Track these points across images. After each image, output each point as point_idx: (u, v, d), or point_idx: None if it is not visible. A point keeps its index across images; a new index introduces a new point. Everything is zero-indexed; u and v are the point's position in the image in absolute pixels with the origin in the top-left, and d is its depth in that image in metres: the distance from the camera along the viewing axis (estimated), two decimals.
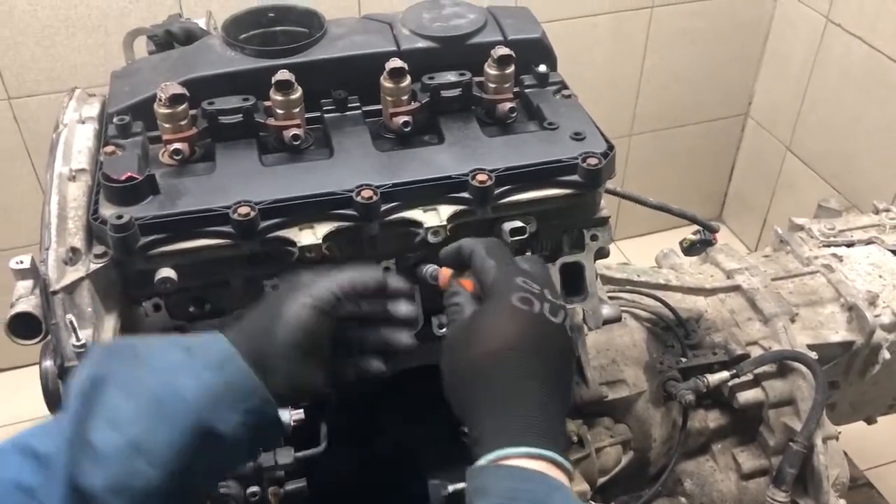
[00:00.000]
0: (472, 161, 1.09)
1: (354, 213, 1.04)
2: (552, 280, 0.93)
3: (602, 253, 1.21)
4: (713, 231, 1.31)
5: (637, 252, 3.12)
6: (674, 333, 1.49)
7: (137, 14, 2.09)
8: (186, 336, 0.85)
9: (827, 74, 2.68)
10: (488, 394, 0.76)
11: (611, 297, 1.49)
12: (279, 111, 1.12)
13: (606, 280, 1.50)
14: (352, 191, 1.03)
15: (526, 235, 1.10)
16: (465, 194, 1.07)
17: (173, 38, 1.32)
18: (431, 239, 1.05)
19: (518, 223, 1.10)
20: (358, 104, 1.20)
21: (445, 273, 0.96)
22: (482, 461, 0.72)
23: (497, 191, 1.07)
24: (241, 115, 1.11)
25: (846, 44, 2.56)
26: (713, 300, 1.59)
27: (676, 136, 3.08)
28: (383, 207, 1.04)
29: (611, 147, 1.12)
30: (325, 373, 0.87)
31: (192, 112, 1.11)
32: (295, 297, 0.86)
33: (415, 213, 1.06)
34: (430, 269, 1.04)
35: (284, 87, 1.09)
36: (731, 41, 2.88)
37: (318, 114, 1.19)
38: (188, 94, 1.07)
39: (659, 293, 1.55)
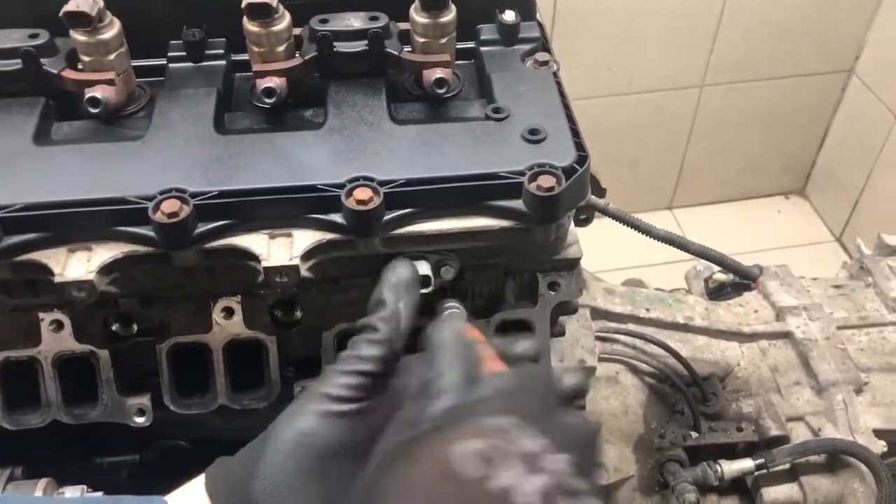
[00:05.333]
0: (356, 162, 0.69)
1: (152, 234, 0.66)
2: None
3: (566, 308, 0.81)
4: (753, 279, 0.89)
5: (696, 227, 2.64)
6: (685, 396, 1.08)
7: None
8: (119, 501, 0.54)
9: None
10: None
11: (602, 339, 1.09)
12: (85, 58, 0.74)
13: (600, 314, 1.09)
14: (151, 199, 0.65)
15: (430, 288, 0.70)
16: (338, 217, 0.67)
17: None
18: (278, 282, 0.67)
19: (421, 268, 0.70)
20: (223, 51, 0.81)
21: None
22: None
23: (389, 215, 0.68)
24: (20, 62, 0.73)
25: None
26: (751, 349, 1.16)
27: (759, 91, 2.56)
28: (200, 229, 0.66)
29: (582, 158, 0.70)
30: None
31: None
32: (295, 403, 0.52)
33: (251, 241, 0.67)
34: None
35: (81, 21, 0.70)
36: None
37: (163, 62, 0.80)
38: None
39: (675, 335, 1.13)
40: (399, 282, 0.57)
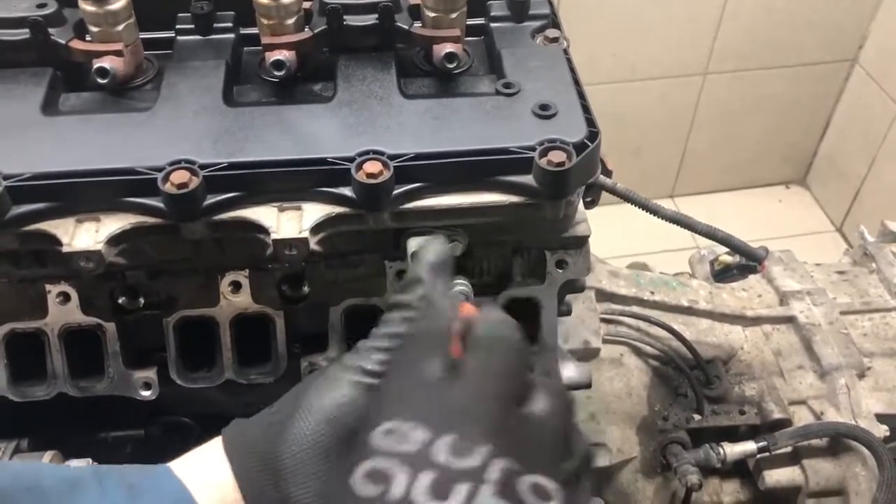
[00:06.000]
0: (366, 136, 0.69)
1: (160, 205, 0.65)
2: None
3: (573, 287, 0.81)
4: (759, 260, 0.89)
5: (697, 215, 2.63)
6: (688, 379, 1.08)
7: None
8: (125, 470, 0.52)
9: None
10: None
11: (606, 321, 1.09)
12: (93, 28, 0.73)
13: (605, 296, 1.09)
14: (160, 170, 0.65)
15: None
16: (348, 191, 0.67)
17: None
18: (287, 254, 0.67)
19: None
20: (231, 24, 0.80)
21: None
22: None
23: (399, 190, 0.67)
24: (27, 31, 0.72)
25: None
26: (755, 333, 1.16)
27: (762, 80, 2.55)
28: (209, 200, 0.66)
29: (593, 134, 0.70)
30: None
31: None
32: (328, 372, 0.51)
33: (260, 214, 0.67)
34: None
35: None
36: None
37: (171, 34, 0.80)
38: None
39: (679, 318, 1.13)
40: (437, 260, 0.54)
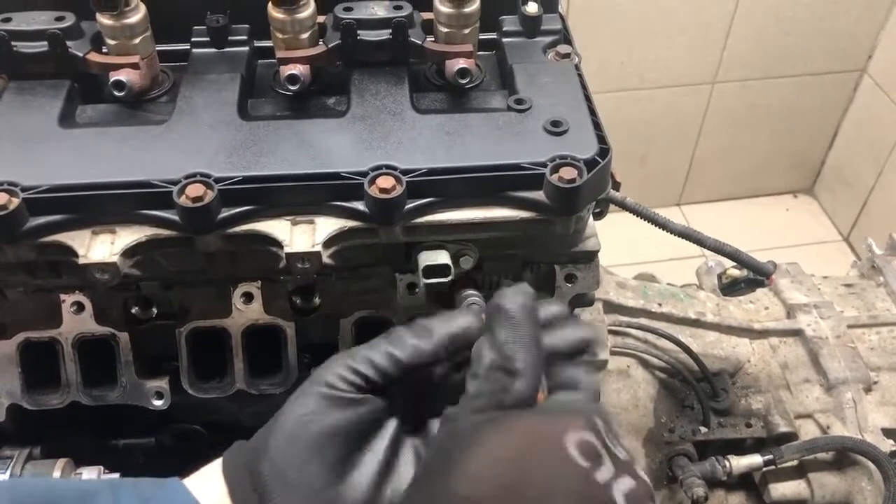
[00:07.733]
0: (379, 151, 0.70)
1: (175, 217, 0.66)
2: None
3: (583, 300, 0.81)
4: (767, 275, 0.89)
5: (704, 224, 2.64)
6: (695, 391, 1.09)
7: None
8: (138, 483, 0.53)
9: None
10: None
11: (614, 333, 1.09)
12: (110, 41, 0.74)
13: (613, 308, 1.10)
14: (176, 183, 0.66)
15: (449, 278, 0.71)
16: (360, 205, 0.68)
17: None
18: (299, 267, 0.67)
19: (441, 258, 0.71)
20: (245, 37, 0.81)
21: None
22: None
23: (411, 204, 0.68)
24: (46, 44, 0.73)
25: None
26: (761, 346, 1.17)
27: (771, 89, 2.55)
28: (223, 214, 0.67)
29: (604, 151, 0.70)
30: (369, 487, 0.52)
31: None
32: (302, 387, 0.54)
33: (274, 227, 0.68)
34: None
35: (108, 4, 0.71)
36: None
37: (186, 47, 0.81)
38: None
39: (686, 330, 1.13)
40: (460, 331, 0.53)
